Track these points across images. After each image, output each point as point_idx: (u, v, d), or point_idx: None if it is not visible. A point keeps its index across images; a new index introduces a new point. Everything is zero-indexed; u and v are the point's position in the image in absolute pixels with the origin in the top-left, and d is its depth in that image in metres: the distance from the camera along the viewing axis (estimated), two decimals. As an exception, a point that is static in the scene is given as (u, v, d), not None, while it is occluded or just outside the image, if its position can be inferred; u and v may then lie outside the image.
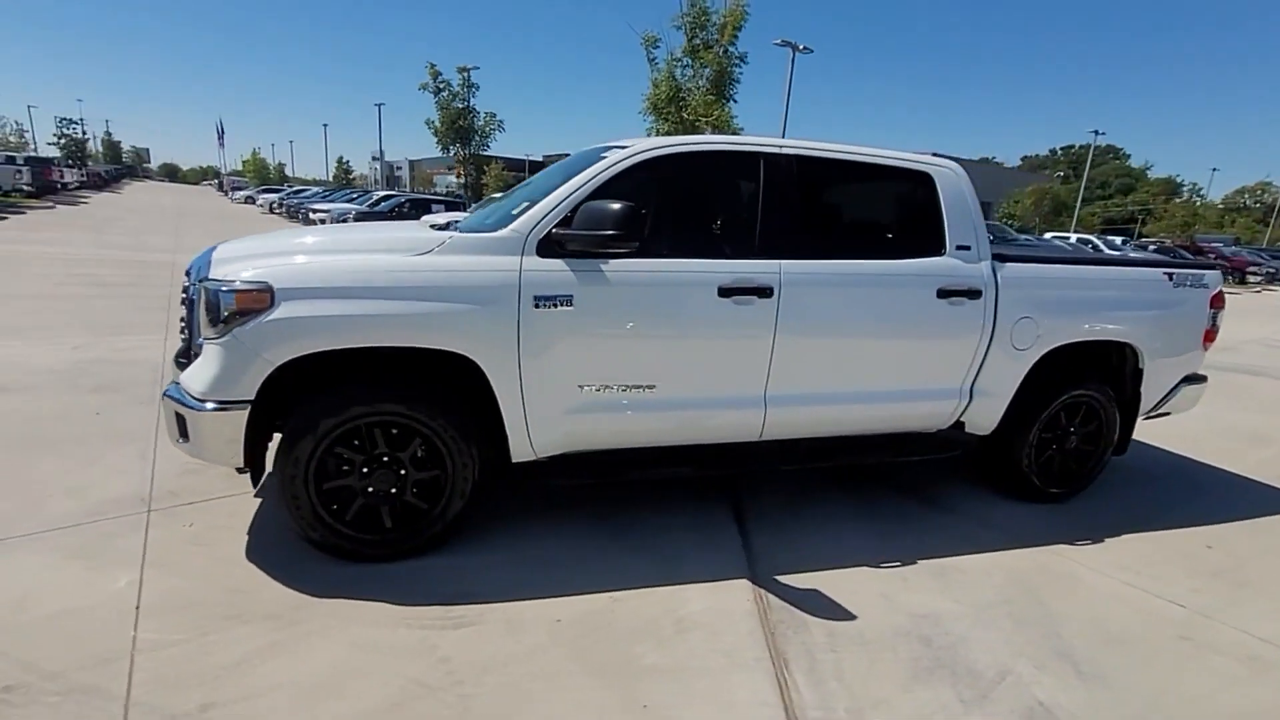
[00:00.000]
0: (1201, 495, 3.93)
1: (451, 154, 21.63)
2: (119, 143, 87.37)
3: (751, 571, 2.70)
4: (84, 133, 42.65)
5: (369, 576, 2.43)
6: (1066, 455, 3.61)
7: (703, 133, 10.90)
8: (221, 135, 66.14)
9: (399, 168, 71.62)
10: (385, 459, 2.48)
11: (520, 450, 2.64)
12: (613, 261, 2.59)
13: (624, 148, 2.79)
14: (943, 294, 3.04)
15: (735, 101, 11.28)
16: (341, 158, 71.44)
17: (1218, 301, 3.72)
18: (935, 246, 3.12)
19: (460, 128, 19.75)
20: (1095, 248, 21.48)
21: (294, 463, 2.36)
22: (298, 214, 20.56)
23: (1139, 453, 4.40)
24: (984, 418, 3.34)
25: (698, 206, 3.11)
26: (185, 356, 2.54)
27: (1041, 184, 45.27)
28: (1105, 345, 3.55)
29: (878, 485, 3.68)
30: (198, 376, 2.29)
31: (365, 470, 2.47)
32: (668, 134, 10.61)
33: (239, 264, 2.39)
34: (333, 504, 2.46)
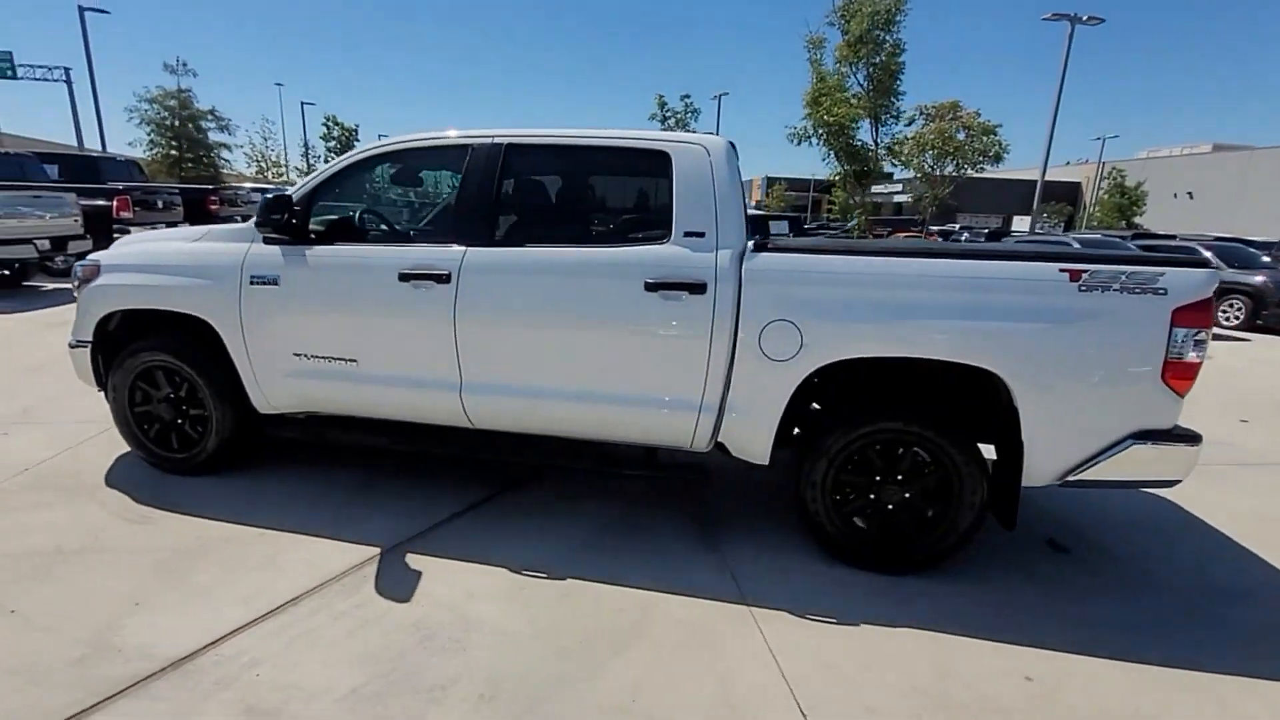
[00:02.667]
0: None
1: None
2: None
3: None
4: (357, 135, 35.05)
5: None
6: (894, 511, 2.70)
7: (852, 127, 9.87)
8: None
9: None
10: (170, 395, 3.30)
11: (259, 403, 3.21)
12: (315, 248, 3.01)
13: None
14: (652, 287, 2.66)
15: (902, 95, 9.78)
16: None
17: (1192, 317, 2.37)
18: (660, 233, 2.74)
19: None
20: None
21: (114, 389, 3.32)
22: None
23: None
24: (748, 441, 2.76)
25: (403, 198, 3.27)
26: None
27: None
28: (946, 368, 2.58)
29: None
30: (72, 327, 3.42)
31: (156, 400, 3.32)
32: (817, 129, 9.88)
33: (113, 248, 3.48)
34: (143, 425, 3.37)
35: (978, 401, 2.68)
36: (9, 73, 26.96)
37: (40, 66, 27.54)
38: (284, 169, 36.08)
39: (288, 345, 3.07)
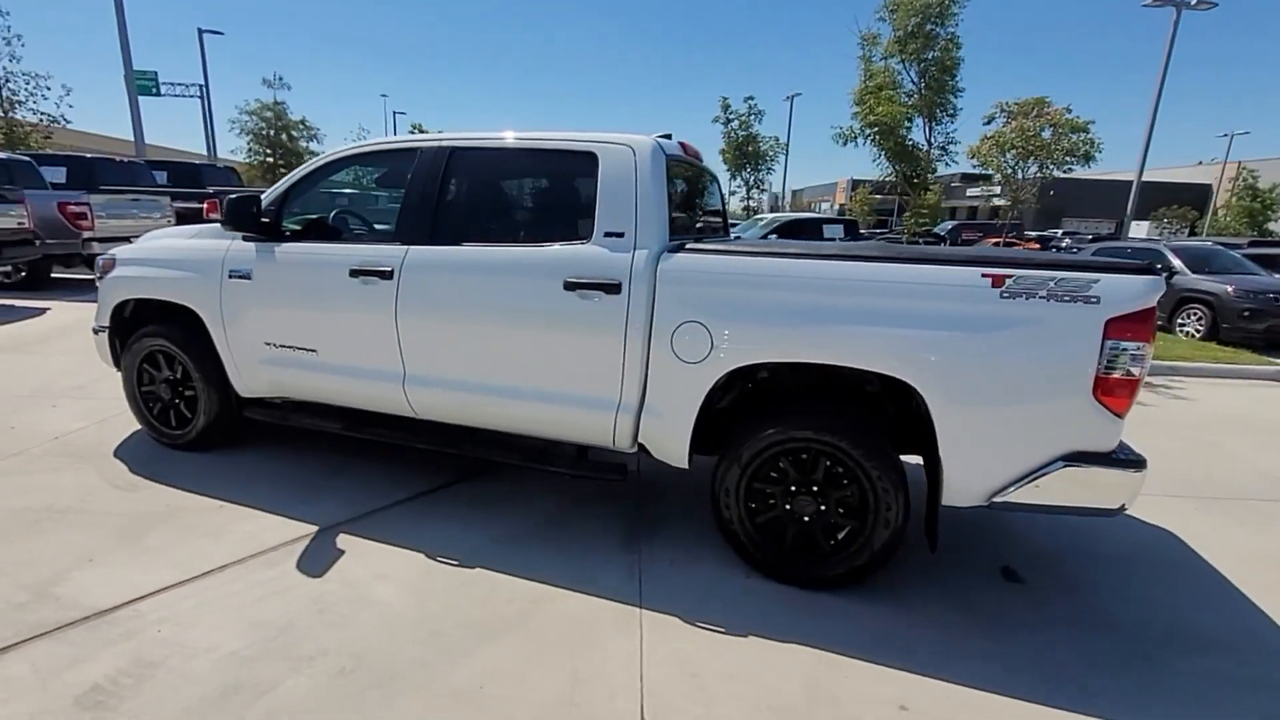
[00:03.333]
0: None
1: (739, 180, 22.59)
2: None
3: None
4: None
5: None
6: (809, 524, 2.60)
7: (903, 126, 9.36)
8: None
9: (783, 198, 75.81)
10: (168, 377, 3.65)
11: (239, 387, 3.49)
12: (284, 245, 3.25)
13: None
14: (571, 286, 2.69)
15: (960, 93, 9.09)
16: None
17: (1128, 329, 2.14)
18: (584, 233, 2.77)
19: (747, 153, 20.60)
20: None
21: (125, 369, 3.71)
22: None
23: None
24: (665, 444, 2.74)
25: (362, 199, 3.42)
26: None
27: None
28: (864, 377, 2.46)
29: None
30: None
31: (157, 381, 3.67)
32: (864, 129, 9.42)
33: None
34: (147, 403, 3.74)
35: (897, 413, 2.54)
36: (153, 90, 30.34)
37: (179, 84, 30.89)
38: (378, 175, 38.63)
39: (260, 334, 3.33)
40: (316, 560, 2.68)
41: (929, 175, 9.44)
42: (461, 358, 2.97)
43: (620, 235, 2.69)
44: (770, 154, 20.81)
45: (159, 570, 2.55)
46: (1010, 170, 14.98)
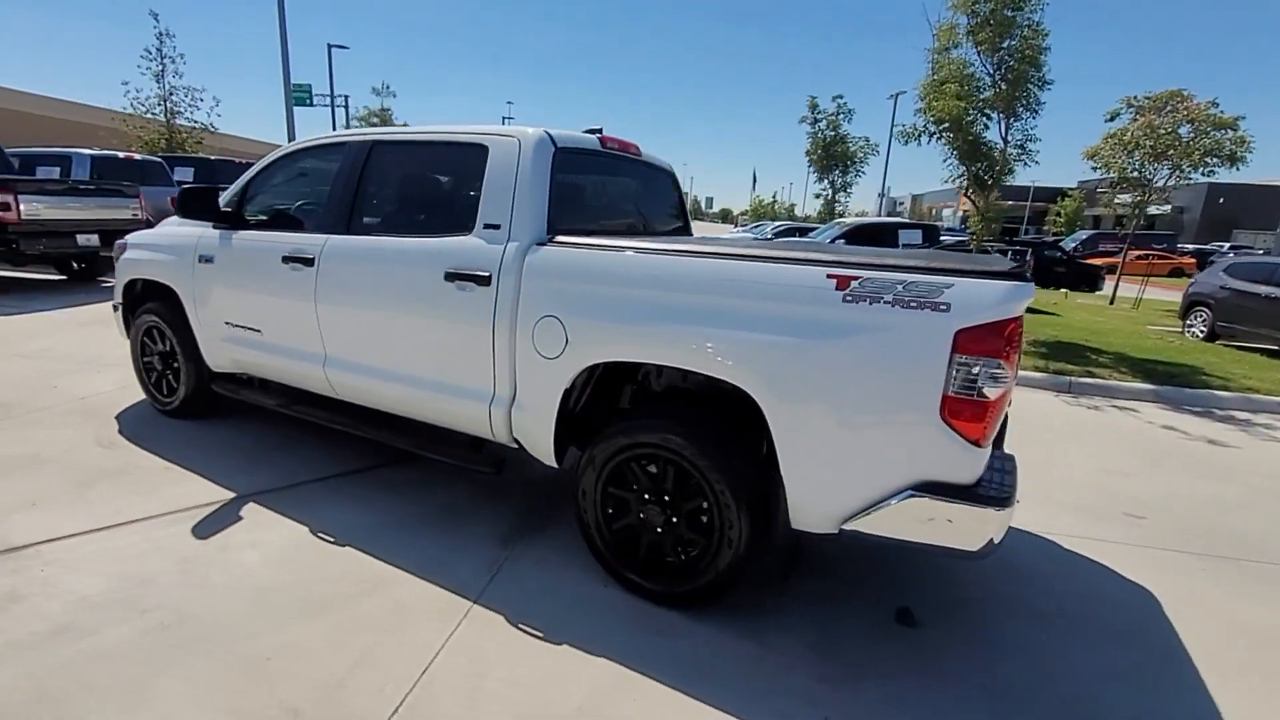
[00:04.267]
0: None
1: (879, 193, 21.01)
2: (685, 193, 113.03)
3: (254, 494, 3.19)
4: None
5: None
6: (662, 537, 2.45)
7: (974, 122, 8.47)
8: (755, 180, 79.72)
9: (901, 203, 71.76)
10: (160, 350, 4.06)
11: (209, 361, 3.82)
12: (240, 233, 3.52)
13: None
14: (450, 277, 2.72)
15: (1047, 85, 7.87)
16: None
17: (980, 342, 1.84)
18: (470, 225, 2.78)
19: (835, 154, 19.36)
20: None
21: (133, 342, 4.18)
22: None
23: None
24: (533, 439, 2.69)
25: (303, 190, 3.57)
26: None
27: None
28: (709, 381, 2.28)
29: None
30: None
31: (153, 354, 4.10)
32: (929, 126, 8.61)
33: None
34: (147, 373, 4.18)
35: (755, 425, 2.32)
36: (307, 101, 33.90)
37: (325, 95, 34.37)
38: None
39: (221, 314, 3.63)
40: (211, 525, 2.88)
41: (1003, 176, 8.49)
42: (367, 343, 3.07)
43: (497, 227, 2.68)
44: (860, 155, 19.62)
45: (80, 518, 2.85)
46: (1135, 172, 13.29)
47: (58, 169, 9.73)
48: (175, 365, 4.00)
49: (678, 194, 3.96)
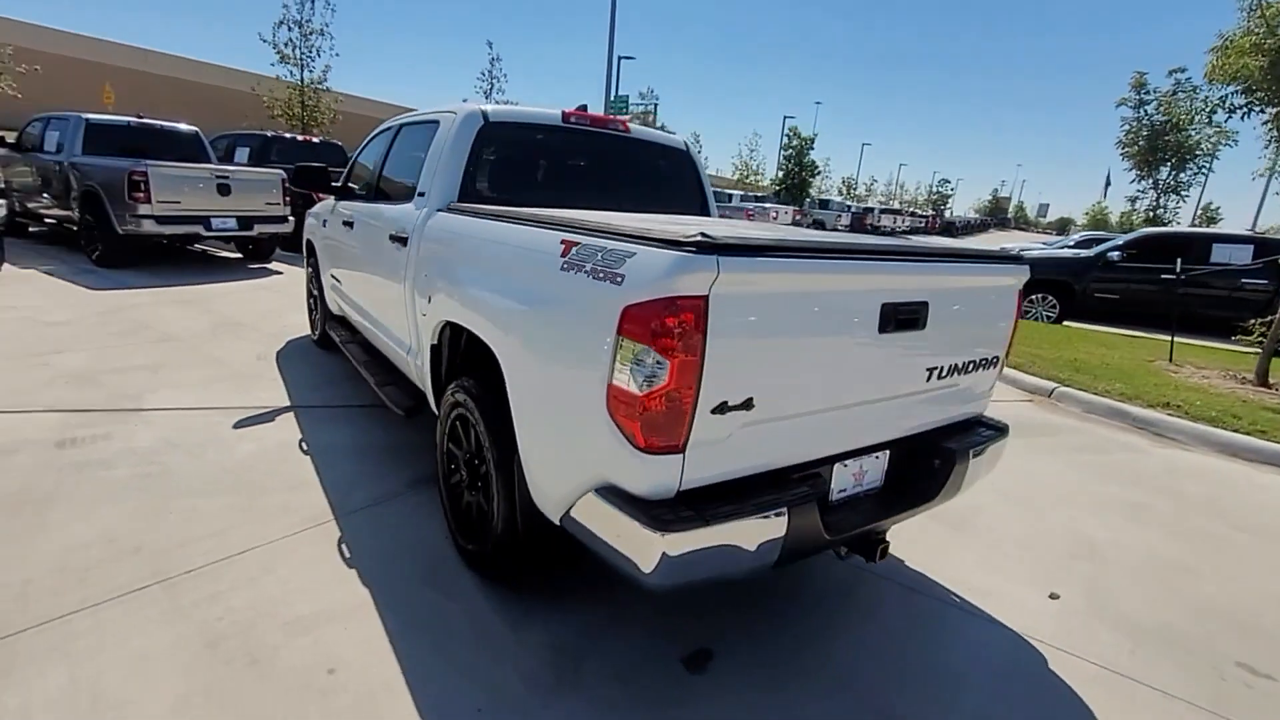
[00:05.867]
0: None
1: (1149, 180, 15.06)
2: (1006, 198, 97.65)
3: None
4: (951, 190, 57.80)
5: (303, 344, 5.35)
6: (472, 497, 2.48)
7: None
8: (1107, 185, 65.58)
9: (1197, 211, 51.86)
10: (313, 293, 5.25)
11: (329, 305, 4.84)
12: (340, 201, 4.40)
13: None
14: (392, 239, 3.09)
15: None
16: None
17: (641, 324, 1.53)
18: (414, 193, 3.10)
19: (1164, 145, 13.73)
20: None
21: (307, 289, 5.48)
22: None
23: None
24: (425, 388, 2.94)
25: (367, 166, 4.13)
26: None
27: None
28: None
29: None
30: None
31: (312, 295, 5.32)
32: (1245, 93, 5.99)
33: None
34: (310, 306, 5.45)
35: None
36: (624, 110, 38.55)
37: (639, 103, 38.44)
38: (761, 175, 41.20)
39: (328, 267, 4.60)
40: (251, 421, 3.74)
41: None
42: (364, 293, 3.66)
43: (423, 195, 2.95)
44: (1209, 149, 13.99)
45: (189, 399, 3.96)
46: None
47: (248, 149, 10.78)
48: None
49: (693, 174, 3.74)
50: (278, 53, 17.48)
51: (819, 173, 39.78)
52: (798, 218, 27.20)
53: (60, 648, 1.94)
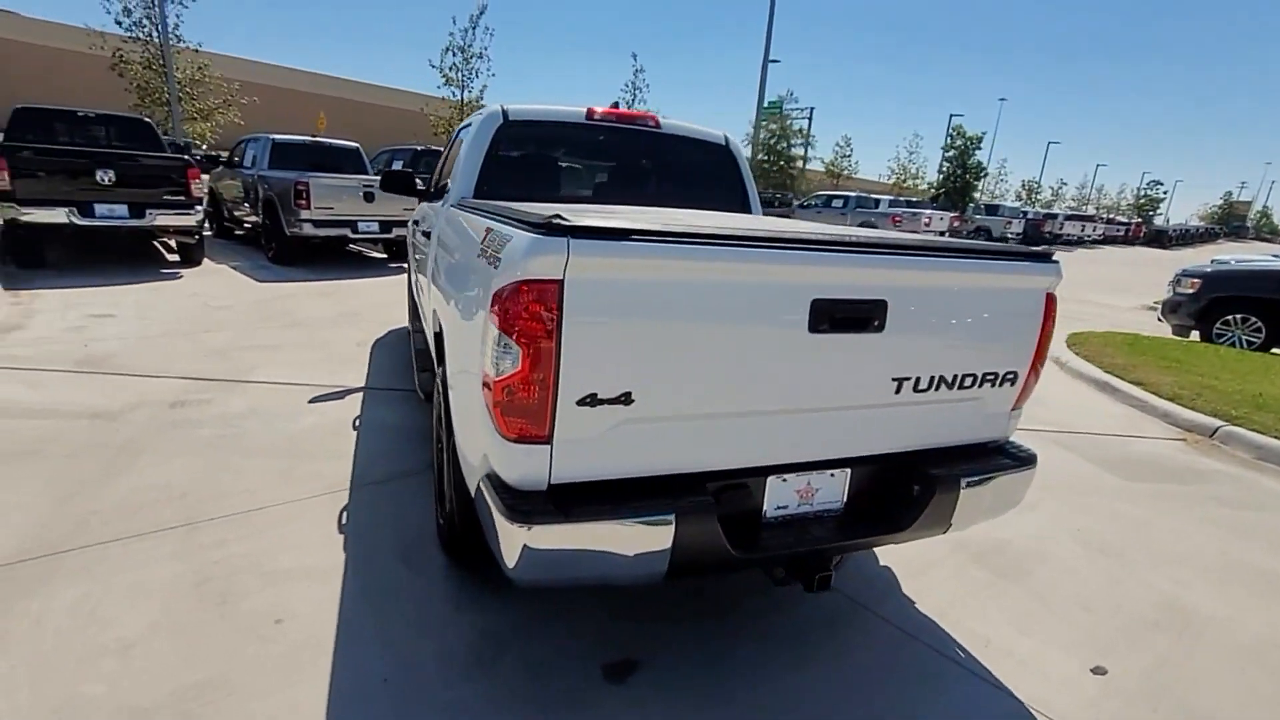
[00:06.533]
0: None
1: None
2: (1236, 201, 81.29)
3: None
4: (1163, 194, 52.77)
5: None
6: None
7: None
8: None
9: None
10: (412, 288, 5.76)
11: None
12: (422, 203, 4.79)
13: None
14: (424, 234, 3.33)
15: None
16: None
17: (502, 308, 1.50)
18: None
19: None
20: None
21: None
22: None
23: None
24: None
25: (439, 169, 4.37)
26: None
27: None
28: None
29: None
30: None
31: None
32: None
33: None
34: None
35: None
36: (778, 113, 37.73)
37: (796, 107, 37.41)
38: (920, 179, 38.22)
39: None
40: (324, 399, 4.18)
41: None
42: (417, 283, 3.94)
43: (449, 192, 3.13)
44: None
45: (287, 375, 4.51)
46: None
47: (401, 161, 12.12)
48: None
49: (733, 169, 3.58)
50: (443, 76, 19.49)
51: (985, 174, 36.19)
52: (955, 224, 24.86)
53: (88, 569, 2.31)
